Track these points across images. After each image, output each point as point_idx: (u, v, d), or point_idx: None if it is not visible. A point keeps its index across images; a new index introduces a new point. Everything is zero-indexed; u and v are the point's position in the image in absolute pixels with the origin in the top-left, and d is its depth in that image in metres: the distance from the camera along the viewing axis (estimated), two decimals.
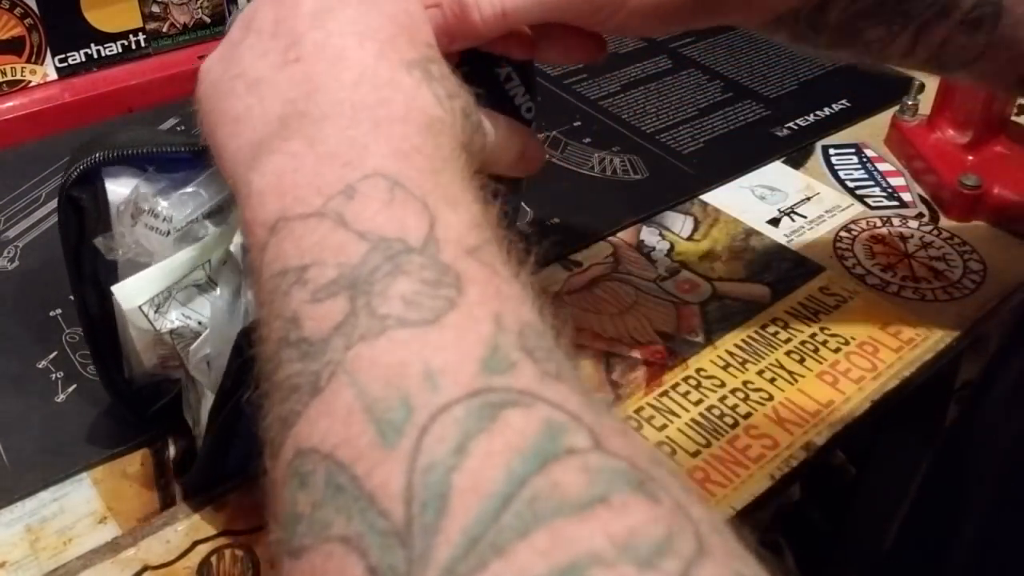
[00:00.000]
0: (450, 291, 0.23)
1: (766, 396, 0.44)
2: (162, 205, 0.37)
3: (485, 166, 0.34)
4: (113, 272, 0.38)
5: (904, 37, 0.38)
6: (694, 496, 0.20)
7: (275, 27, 0.31)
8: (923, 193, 0.59)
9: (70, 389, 0.44)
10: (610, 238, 0.55)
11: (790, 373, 0.46)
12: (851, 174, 0.61)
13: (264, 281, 0.26)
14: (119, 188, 0.37)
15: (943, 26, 0.37)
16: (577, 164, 0.61)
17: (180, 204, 0.37)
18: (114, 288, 0.37)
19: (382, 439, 0.20)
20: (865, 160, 0.63)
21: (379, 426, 0.21)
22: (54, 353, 0.46)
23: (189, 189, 0.37)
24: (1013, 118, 0.60)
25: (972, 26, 0.37)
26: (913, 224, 0.57)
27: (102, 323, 0.39)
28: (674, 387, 0.45)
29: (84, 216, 0.37)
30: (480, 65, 0.37)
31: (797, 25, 0.38)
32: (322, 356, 0.22)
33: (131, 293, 0.36)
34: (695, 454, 0.42)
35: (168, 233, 0.37)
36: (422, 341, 0.22)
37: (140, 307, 0.36)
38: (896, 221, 0.57)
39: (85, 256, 0.38)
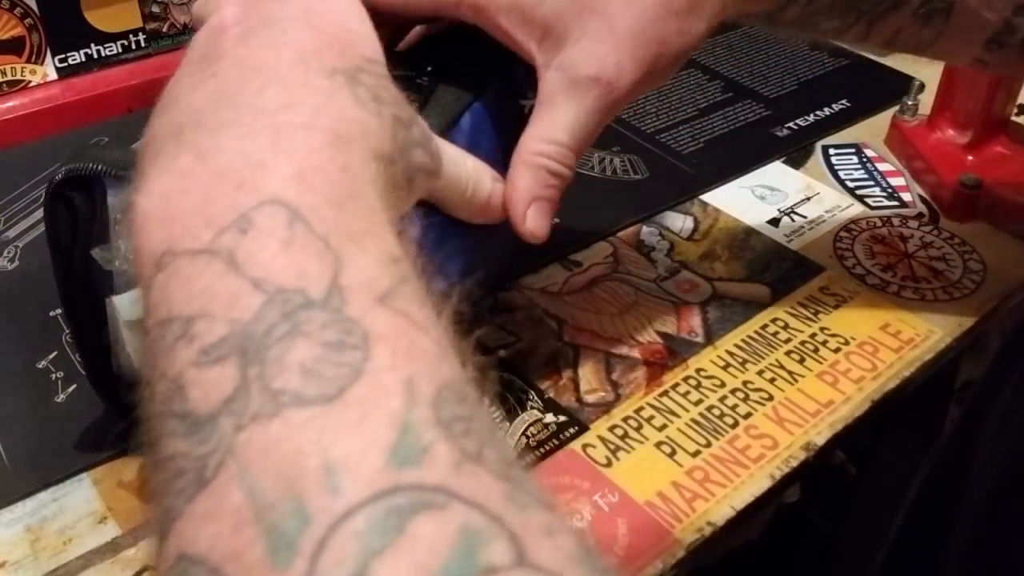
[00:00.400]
0: (355, 355, 0.20)
1: (766, 396, 0.44)
2: None
3: (438, 202, 0.33)
4: (106, 274, 0.37)
5: (858, 27, 0.38)
6: None
7: (204, 50, 0.29)
8: (923, 193, 0.59)
9: (70, 389, 0.44)
10: (610, 238, 0.55)
11: (790, 373, 0.46)
12: (851, 174, 0.61)
13: (150, 326, 0.22)
14: (118, 200, 0.37)
15: (895, 18, 0.37)
16: (577, 164, 0.61)
17: None
18: (115, 298, 0.36)
19: (273, 557, 0.18)
20: (865, 160, 0.63)
21: (271, 539, 0.18)
22: (54, 353, 0.46)
23: None
24: (1013, 118, 0.60)
25: (925, 18, 0.38)
26: (913, 224, 0.57)
27: (90, 321, 0.38)
28: (674, 387, 0.45)
29: (77, 216, 0.37)
30: (505, 97, 0.38)
31: (756, 21, 0.39)
32: (210, 438, 0.20)
33: (132, 306, 0.36)
34: (695, 454, 0.42)
35: None
36: (321, 425, 0.19)
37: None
38: (896, 221, 0.57)
39: (77, 256, 0.37)
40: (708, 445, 0.42)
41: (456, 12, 0.35)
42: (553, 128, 0.35)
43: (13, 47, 0.61)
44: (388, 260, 0.23)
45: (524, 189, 0.36)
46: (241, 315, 0.21)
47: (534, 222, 0.37)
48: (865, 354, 0.47)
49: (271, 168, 0.24)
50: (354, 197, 0.24)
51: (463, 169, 0.34)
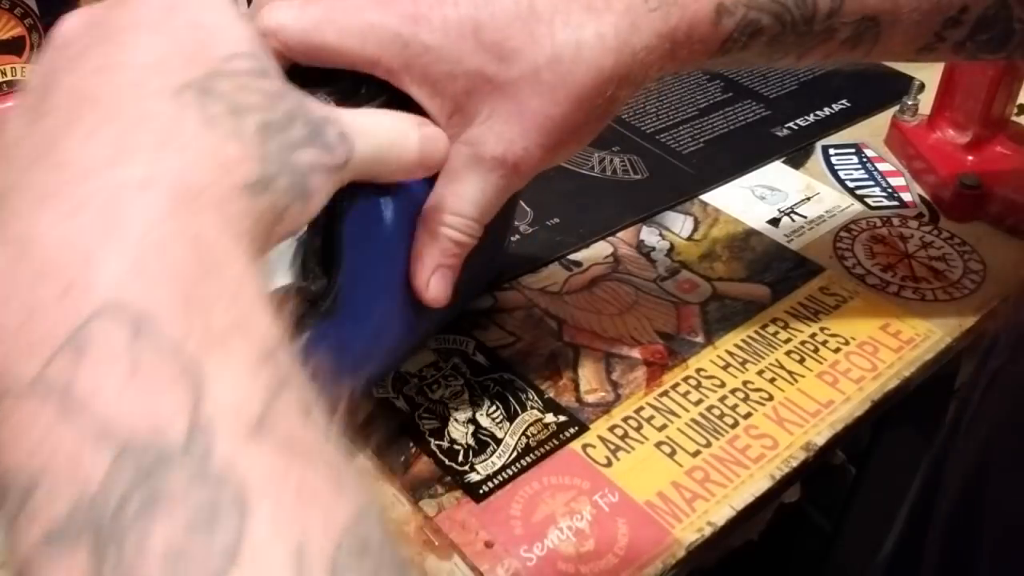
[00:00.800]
0: (229, 526, 0.16)
1: (766, 396, 0.45)
2: None
3: (370, 178, 0.31)
4: None
5: (788, 60, 0.39)
6: None
7: (38, 78, 0.24)
8: (923, 193, 0.59)
9: None
10: (610, 238, 0.55)
11: (790, 373, 0.46)
12: (851, 174, 0.61)
13: None
14: None
15: (824, 48, 0.38)
16: (577, 164, 0.61)
17: None
18: None
19: None
20: (865, 160, 0.63)
21: None
22: None
23: None
24: (1013, 118, 0.60)
25: (853, 43, 0.38)
26: (913, 224, 0.57)
27: None
28: (674, 387, 0.45)
29: None
30: None
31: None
32: None
33: None
34: (695, 454, 0.42)
35: None
36: None
37: None
38: (896, 221, 0.57)
39: None
40: (708, 445, 0.42)
41: (372, 71, 0.34)
42: (458, 201, 0.35)
43: (13, 47, 0.61)
44: (260, 360, 0.19)
45: (429, 259, 0.36)
46: (87, 483, 0.17)
47: (436, 289, 0.36)
48: (865, 354, 0.47)
49: (102, 260, 0.19)
50: (211, 276, 0.20)
51: (382, 133, 0.31)
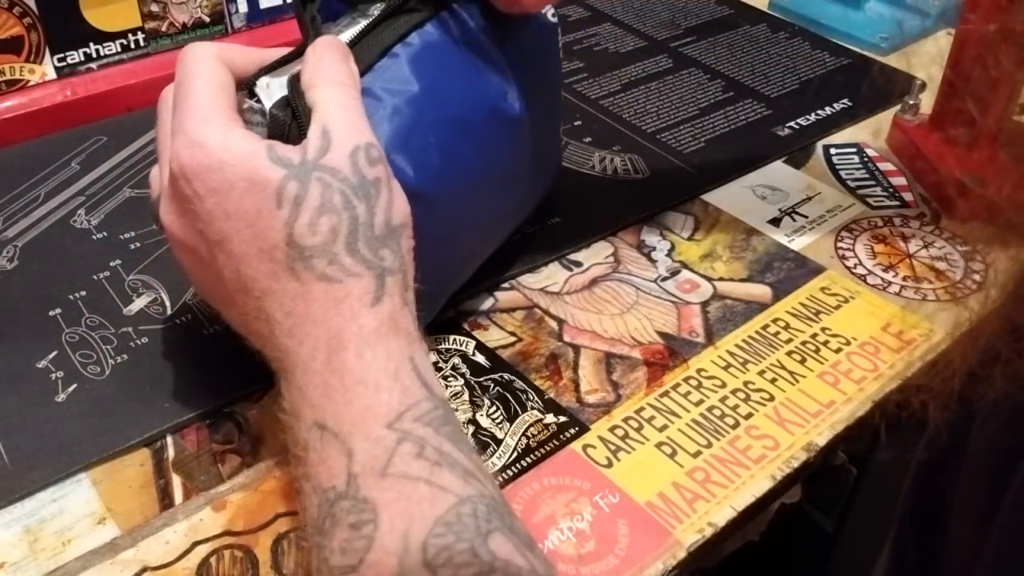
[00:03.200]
0: (369, 528, 0.29)
1: (767, 396, 0.44)
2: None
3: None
4: None
5: None
6: None
7: (194, 239, 0.36)
8: (924, 193, 0.59)
9: (70, 389, 0.44)
10: (610, 238, 0.55)
11: (791, 373, 0.46)
12: (852, 174, 0.61)
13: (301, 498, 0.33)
14: None
15: None
16: (578, 164, 0.61)
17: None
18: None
19: None
20: (866, 160, 0.62)
21: None
22: (54, 353, 0.45)
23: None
24: (1015, 117, 0.60)
25: None
26: (914, 224, 0.56)
27: None
28: (675, 387, 0.45)
29: None
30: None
31: None
32: None
33: None
34: (696, 454, 0.41)
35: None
36: None
37: None
38: (897, 221, 0.57)
39: None
40: (709, 446, 0.42)
41: None
42: None
43: (12, 46, 0.61)
44: (385, 431, 0.31)
45: None
46: (311, 514, 0.32)
47: None
48: (866, 354, 0.47)
49: (303, 407, 0.33)
50: (355, 385, 0.32)
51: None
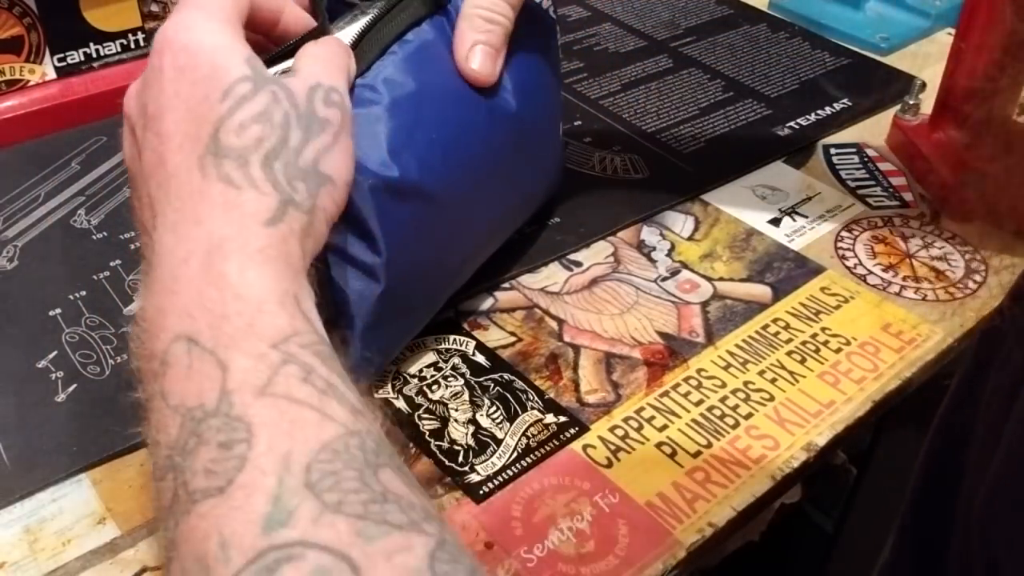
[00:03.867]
0: (241, 448, 0.26)
1: (767, 396, 0.44)
2: None
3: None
4: None
5: None
6: None
7: (133, 181, 0.35)
8: (924, 193, 0.59)
9: (70, 389, 0.44)
10: (610, 238, 0.55)
11: (791, 373, 0.46)
12: (852, 174, 0.61)
13: (149, 450, 0.30)
14: None
15: None
16: (578, 163, 0.61)
17: None
18: None
19: None
20: (866, 160, 0.62)
21: None
22: (54, 353, 0.45)
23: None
24: (1015, 117, 0.60)
25: None
26: (914, 224, 0.56)
27: None
28: (675, 387, 0.45)
29: None
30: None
31: None
32: (166, 534, 0.27)
33: None
34: (696, 454, 0.41)
35: None
36: (217, 512, 0.25)
37: None
38: (897, 221, 0.57)
39: None
40: (709, 446, 0.42)
41: None
42: None
43: (12, 46, 0.61)
44: (267, 349, 0.28)
45: (462, 35, 0.42)
46: (169, 438, 0.28)
47: (476, 62, 0.42)
48: (866, 354, 0.47)
49: (169, 316, 0.30)
50: (233, 299, 0.29)
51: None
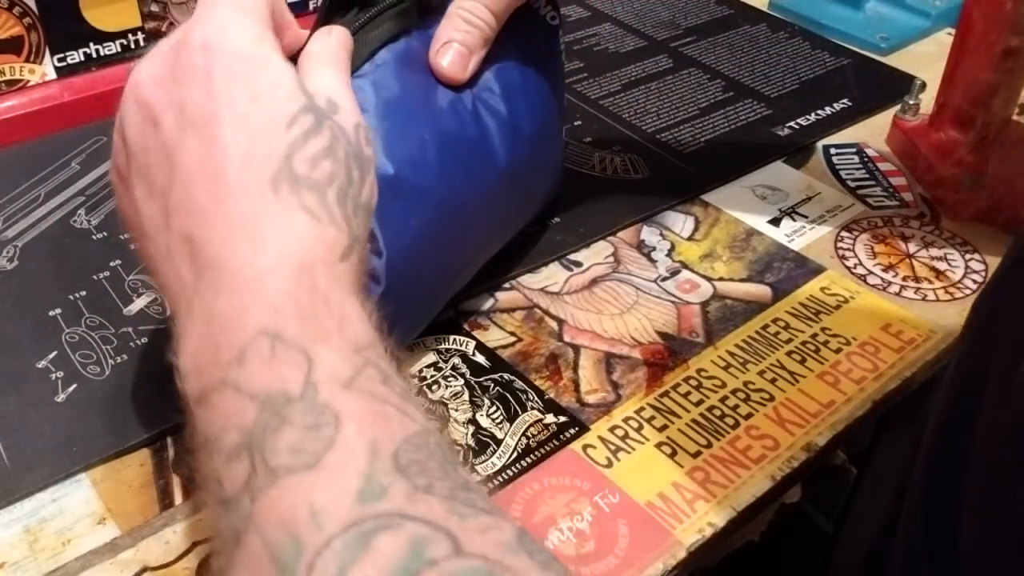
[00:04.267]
0: (329, 430, 0.26)
1: (767, 396, 0.44)
2: None
3: None
4: None
5: None
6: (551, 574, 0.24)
7: (146, 158, 0.33)
8: (924, 193, 0.59)
9: (70, 389, 0.44)
10: (610, 238, 0.55)
11: (791, 373, 0.46)
12: (852, 174, 0.61)
13: (198, 447, 0.30)
14: None
15: None
16: (577, 164, 0.61)
17: None
18: None
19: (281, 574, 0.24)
20: (866, 160, 0.62)
21: (279, 568, 0.24)
22: (54, 353, 0.45)
23: None
24: (1015, 117, 0.60)
25: None
26: (914, 224, 0.56)
27: None
28: (675, 387, 0.45)
29: None
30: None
31: None
32: (237, 511, 0.26)
33: None
34: (696, 454, 0.41)
35: None
36: (307, 485, 0.25)
37: None
38: (897, 221, 0.57)
39: None
40: (709, 446, 0.42)
41: None
42: None
43: (12, 46, 0.61)
44: (351, 352, 0.29)
45: (440, 32, 0.43)
46: (245, 422, 0.27)
47: (447, 59, 0.43)
48: (866, 354, 0.47)
49: (254, 312, 0.29)
50: (323, 306, 0.30)
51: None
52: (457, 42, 0.43)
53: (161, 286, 0.33)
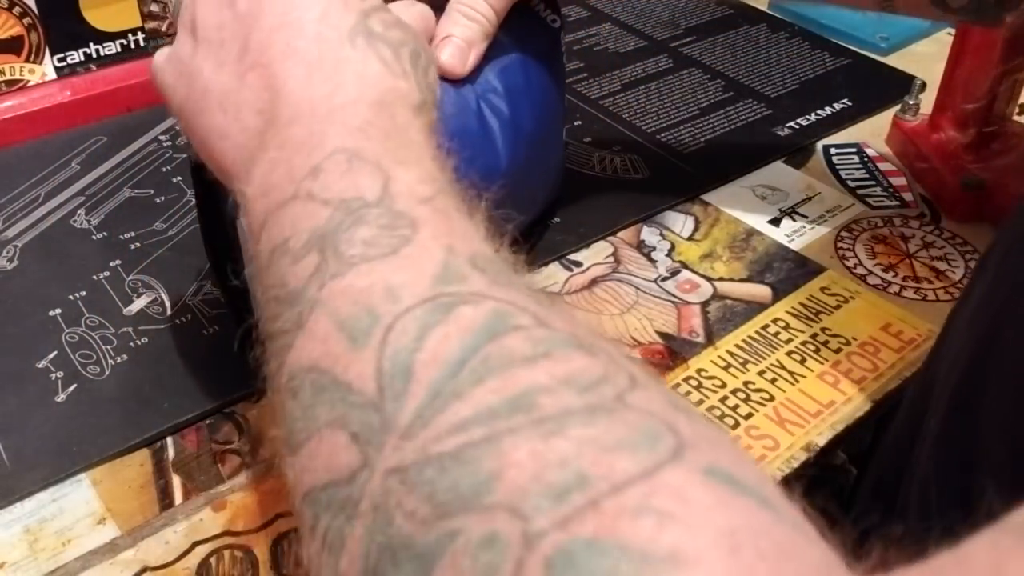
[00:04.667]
0: (406, 231, 0.26)
1: (767, 396, 0.44)
2: None
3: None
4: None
5: None
6: (630, 358, 0.23)
7: (220, 34, 0.34)
8: (924, 193, 0.59)
9: (70, 389, 0.44)
10: (610, 238, 0.55)
11: (791, 373, 0.46)
12: (852, 174, 0.61)
13: (260, 268, 0.29)
14: None
15: None
16: (578, 164, 0.61)
17: None
18: (242, 220, 0.40)
19: (353, 343, 0.24)
20: (866, 160, 0.62)
21: (350, 334, 0.24)
22: (54, 353, 0.45)
23: None
24: (1015, 117, 0.60)
25: None
26: (914, 224, 0.56)
27: (217, 222, 0.42)
28: (675, 387, 0.45)
29: None
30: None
31: None
32: (302, 299, 0.26)
33: None
34: None
35: None
36: (383, 268, 0.25)
37: None
38: (897, 221, 0.57)
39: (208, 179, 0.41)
40: None
41: None
42: None
43: (12, 46, 0.61)
44: (428, 178, 0.29)
45: (440, 28, 0.44)
46: (317, 223, 0.27)
47: (446, 54, 0.43)
48: (866, 354, 0.47)
49: (331, 134, 0.29)
50: (399, 135, 0.30)
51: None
52: (456, 36, 0.43)
53: (222, 154, 0.33)
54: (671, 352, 0.47)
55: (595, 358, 0.22)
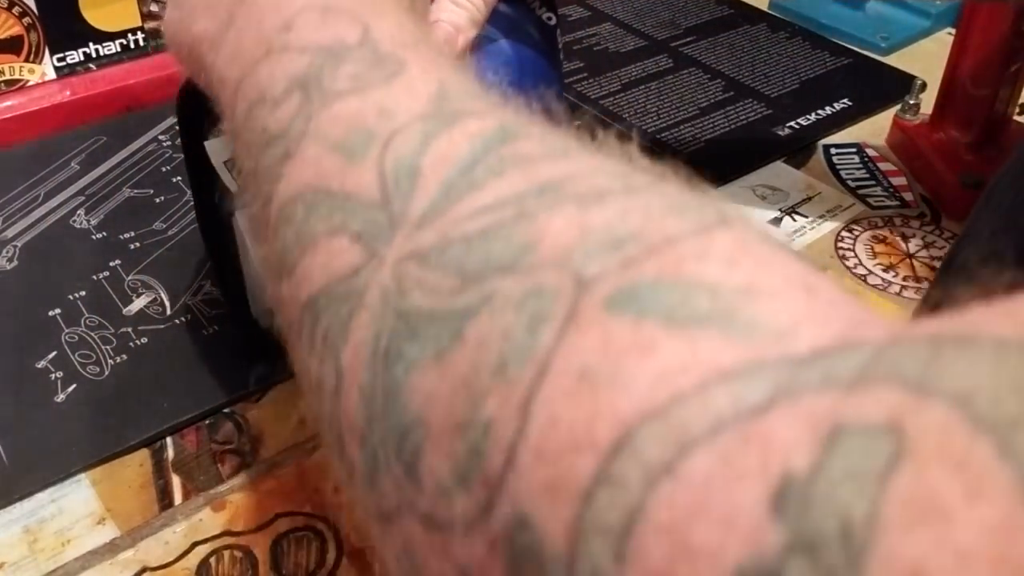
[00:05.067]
0: (394, 66, 0.25)
1: None
2: None
3: None
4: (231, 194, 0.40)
5: None
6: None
7: None
8: (925, 193, 0.59)
9: (70, 389, 0.43)
10: None
11: None
12: (852, 173, 0.61)
13: (238, 131, 0.27)
14: None
15: None
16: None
17: None
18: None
19: (349, 159, 0.22)
20: (866, 159, 0.62)
21: (345, 153, 0.22)
22: (54, 353, 0.45)
23: None
24: (1015, 117, 0.60)
25: None
26: (915, 224, 0.56)
27: (226, 255, 0.42)
28: None
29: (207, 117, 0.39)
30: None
31: None
32: (288, 135, 0.24)
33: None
34: None
35: None
36: (375, 95, 0.24)
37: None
38: (898, 221, 0.57)
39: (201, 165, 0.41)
40: None
41: None
42: None
43: (11, 46, 0.61)
44: (408, 28, 0.27)
45: (430, 14, 0.42)
46: (296, 70, 0.25)
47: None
48: None
49: None
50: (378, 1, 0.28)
51: None
52: (444, 20, 0.43)
53: (195, 40, 0.31)
54: None
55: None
